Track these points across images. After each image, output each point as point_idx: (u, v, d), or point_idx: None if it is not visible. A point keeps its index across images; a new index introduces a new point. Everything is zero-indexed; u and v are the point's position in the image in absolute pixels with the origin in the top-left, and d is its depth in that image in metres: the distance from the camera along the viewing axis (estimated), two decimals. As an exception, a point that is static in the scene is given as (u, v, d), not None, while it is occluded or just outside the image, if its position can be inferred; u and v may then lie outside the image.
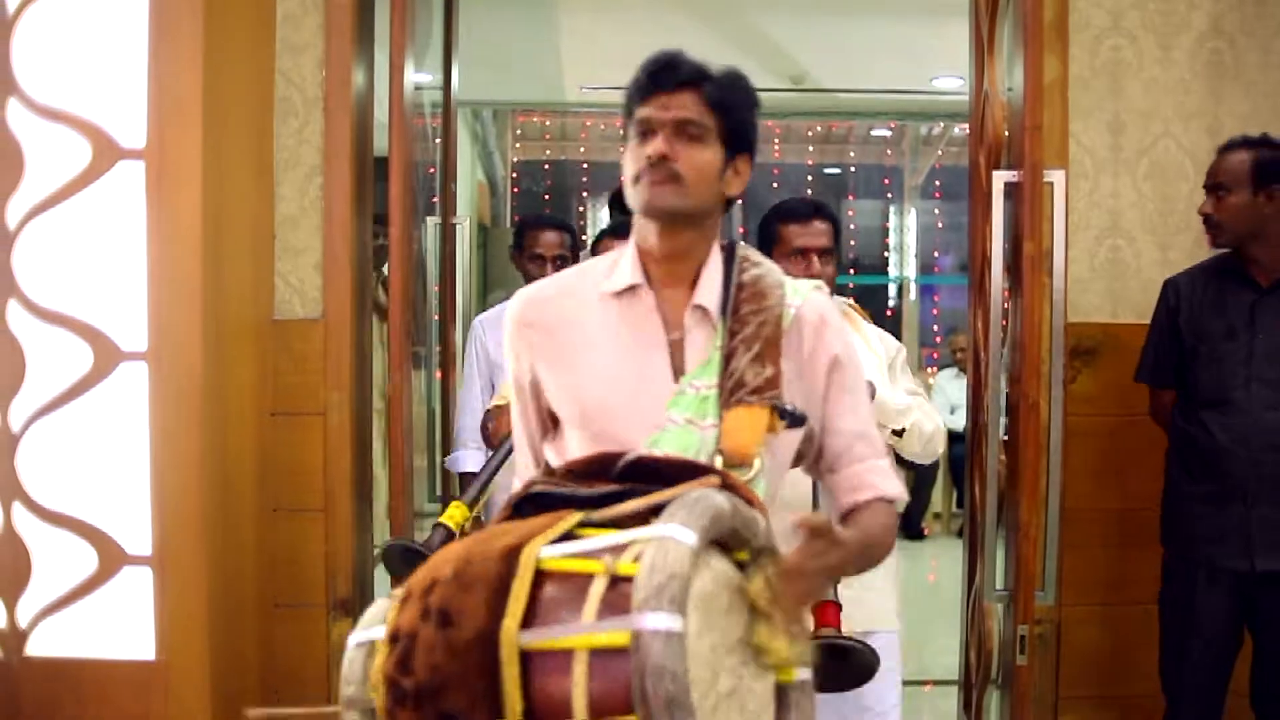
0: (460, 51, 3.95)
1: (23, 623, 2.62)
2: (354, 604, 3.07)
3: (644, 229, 1.59)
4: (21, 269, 2.59)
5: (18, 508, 2.61)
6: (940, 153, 10.17)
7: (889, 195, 10.42)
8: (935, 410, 2.47)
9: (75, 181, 2.58)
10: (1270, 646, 2.67)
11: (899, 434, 2.36)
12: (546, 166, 10.04)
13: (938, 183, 10.47)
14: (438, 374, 3.77)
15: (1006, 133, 3.01)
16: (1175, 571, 2.77)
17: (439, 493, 3.70)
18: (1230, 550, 2.63)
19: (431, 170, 4.65)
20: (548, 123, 9.82)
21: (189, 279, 2.59)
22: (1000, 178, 2.75)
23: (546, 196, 9.98)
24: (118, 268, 2.60)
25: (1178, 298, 2.80)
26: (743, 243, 1.66)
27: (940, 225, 10.69)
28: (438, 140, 4.07)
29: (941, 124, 9.54)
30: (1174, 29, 3.17)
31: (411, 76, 3.09)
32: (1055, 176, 2.74)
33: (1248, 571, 2.63)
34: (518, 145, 9.88)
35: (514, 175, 9.79)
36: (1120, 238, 3.14)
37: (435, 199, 4.17)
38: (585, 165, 10.03)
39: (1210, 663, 2.70)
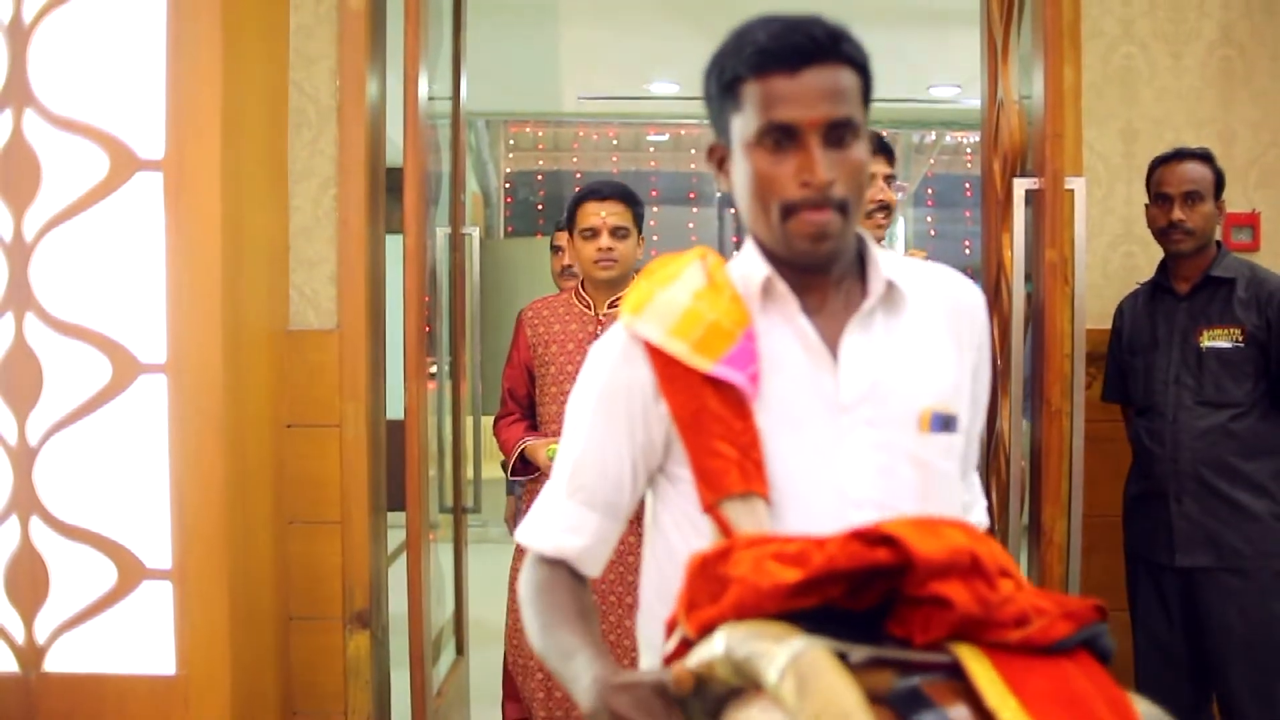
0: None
1: (41, 638, 2.59)
2: (370, 617, 3.05)
3: None
4: (39, 281, 2.58)
5: (35, 522, 2.58)
6: (932, 161, 10.21)
7: (882, 203, 10.44)
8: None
9: (93, 192, 2.57)
10: (1193, 638, 2.80)
11: None
12: (540, 177, 10.04)
13: (930, 191, 10.51)
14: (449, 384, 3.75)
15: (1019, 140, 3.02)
16: (1128, 571, 2.97)
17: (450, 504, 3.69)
18: (1158, 547, 2.82)
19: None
20: (541, 133, 9.82)
21: (208, 290, 2.58)
22: (1021, 185, 2.75)
23: (540, 207, 9.97)
24: (136, 279, 2.59)
25: (1122, 319, 3.01)
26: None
27: (932, 233, 10.73)
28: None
29: (934, 133, 9.59)
30: (1185, 37, 3.18)
31: (424, 87, 3.08)
32: (1076, 184, 2.75)
33: (1170, 566, 2.80)
34: (510, 155, 9.88)
35: (507, 185, 9.79)
36: (1134, 244, 3.15)
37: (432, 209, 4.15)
38: (579, 175, 10.03)
39: (1159, 658, 2.86)
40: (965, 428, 1.33)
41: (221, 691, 2.57)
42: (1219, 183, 2.83)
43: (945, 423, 1.28)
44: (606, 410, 1.31)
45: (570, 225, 3.06)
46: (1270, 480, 2.73)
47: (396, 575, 3.19)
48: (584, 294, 3.10)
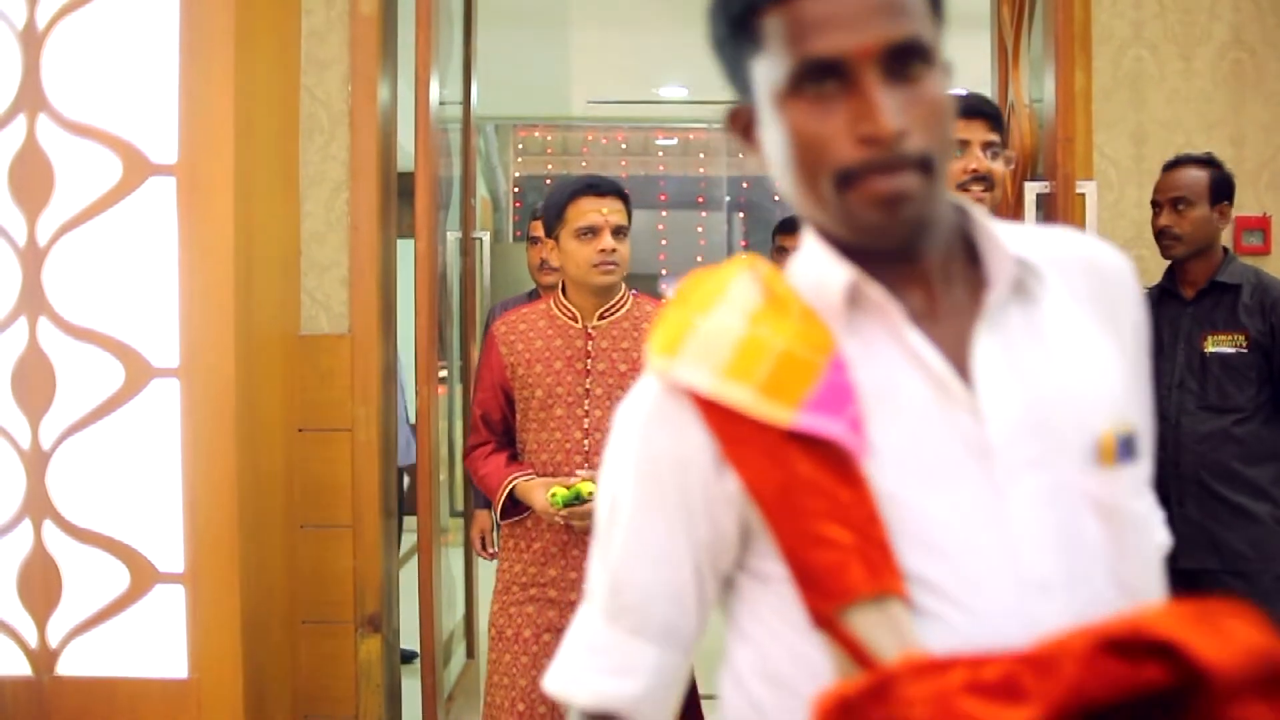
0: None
1: (54, 641, 2.60)
2: (381, 620, 3.06)
3: None
4: (52, 286, 2.58)
5: (49, 526, 2.59)
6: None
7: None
8: None
9: (106, 197, 2.58)
10: None
11: None
12: (549, 181, 10.05)
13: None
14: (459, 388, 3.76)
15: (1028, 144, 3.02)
16: None
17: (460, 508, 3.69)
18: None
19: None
20: (549, 137, 9.84)
21: (221, 294, 2.59)
22: (1032, 189, 2.75)
23: (549, 211, 9.98)
24: (149, 283, 2.60)
25: None
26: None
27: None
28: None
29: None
30: (1195, 40, 3.18)
31: (435, 92, 3.09)
32: (1087, 188, 2.75)
33: (1173, 569, 2.72)
34: (519, 160, 9.89)
35: (516, 190, 9.80)
36: (1145, 248, 3.14)
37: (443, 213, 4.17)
38: (587, 179, 10.04)
39: None
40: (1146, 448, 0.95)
41: (233, 695, 2.58)
42: (1218, 188, 2.83)
43: (1129, 447, 0.91)
44: (650, 499, 0.93)
45: (556, 224, 2.61)
46: (1272, 485, 2.75)
47: (407, 579, 3.19)
48: (565, 303, 2.64)
